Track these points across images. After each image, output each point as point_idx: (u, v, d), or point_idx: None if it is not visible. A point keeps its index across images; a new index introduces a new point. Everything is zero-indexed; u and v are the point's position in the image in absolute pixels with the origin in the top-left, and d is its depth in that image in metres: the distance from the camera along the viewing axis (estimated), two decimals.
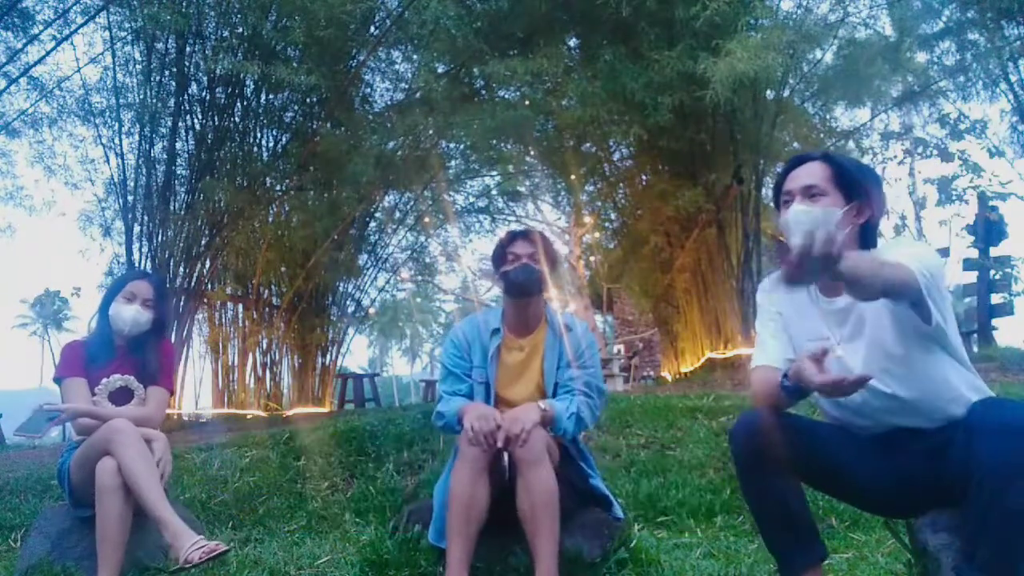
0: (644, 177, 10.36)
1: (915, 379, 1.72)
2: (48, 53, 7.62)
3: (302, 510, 4.02)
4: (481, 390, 2.47)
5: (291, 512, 4.02)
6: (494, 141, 9.12)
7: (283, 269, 9.62)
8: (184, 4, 7.08)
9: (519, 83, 8.40)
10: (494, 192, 11.65)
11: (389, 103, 9.30)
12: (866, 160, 9.43)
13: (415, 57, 8.66)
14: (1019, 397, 4.46)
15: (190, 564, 2.16)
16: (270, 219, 9.35)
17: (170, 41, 7.57)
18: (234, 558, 2.81)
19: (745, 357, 8.17)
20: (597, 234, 13.40)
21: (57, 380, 2.72)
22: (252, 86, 8.07)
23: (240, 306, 9.36)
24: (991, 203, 9.13)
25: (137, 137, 7.85)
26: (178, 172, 8.27)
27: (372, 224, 10.33)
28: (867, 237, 1.84)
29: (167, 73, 7.77)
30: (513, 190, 11.79)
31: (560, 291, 14.25)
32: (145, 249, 7.93)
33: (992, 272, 9.28)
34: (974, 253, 9.59)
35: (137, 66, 7.81)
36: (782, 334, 1.89)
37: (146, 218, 7.93)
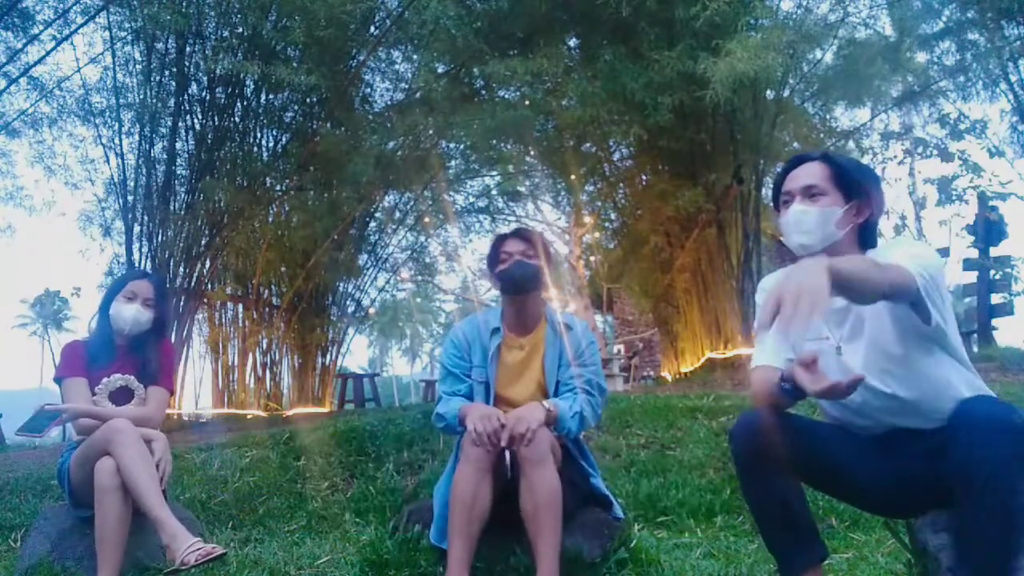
0: (644, 177, 10.36)
1: (915, 379, 1.72)
2: (48, 53, 7.63)
3: (302, 510, 4.02)
4: (481, 390, 2.47)
5: (291, 512, 4.02)
6: (494, 141, 9.12)
7: (283, 269, 9.62)
8: (184, 4, 7.08)
9: (519, 83, 8.40)
10: (494, 192, 11.66)
11: (389, 103, 9.31)
12: (866, 160, 9.44)
13: (415, 57, 8.67)
14: (1019, 397, 4.46)
15: (186, 566, 2.16)
16: (270, 219, 9.35)
17: (170, 41, 7.57)
18: (234, 558, 2.81)
19: (745, 357, 8.17)
20: (597, 234, 13.40)
21: (57, 380, 2.71)
22: (252, 86, 8.07)
23: (240, 306, 9.37)
24: (991, 203, 9.14)
25: (137, 137, 7.86)
26: (178, 172, 8.27)
27: (372, 224, 10.34)
28: (867, 236, 1.85)
29: (167, 73, 7.77)
30: (513, 190, 11.79)
31: (558, 288, 14.28)
32: (145, 249, 7.94)
33: (992, 272, 9.28)
34: (974, 253, 9.60)
35: (137, 66, 7.82)
36: (780, 335, 1.88)
37: (146, 218, 7.93)
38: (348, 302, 10.53)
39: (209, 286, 8.80)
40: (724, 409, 5.06)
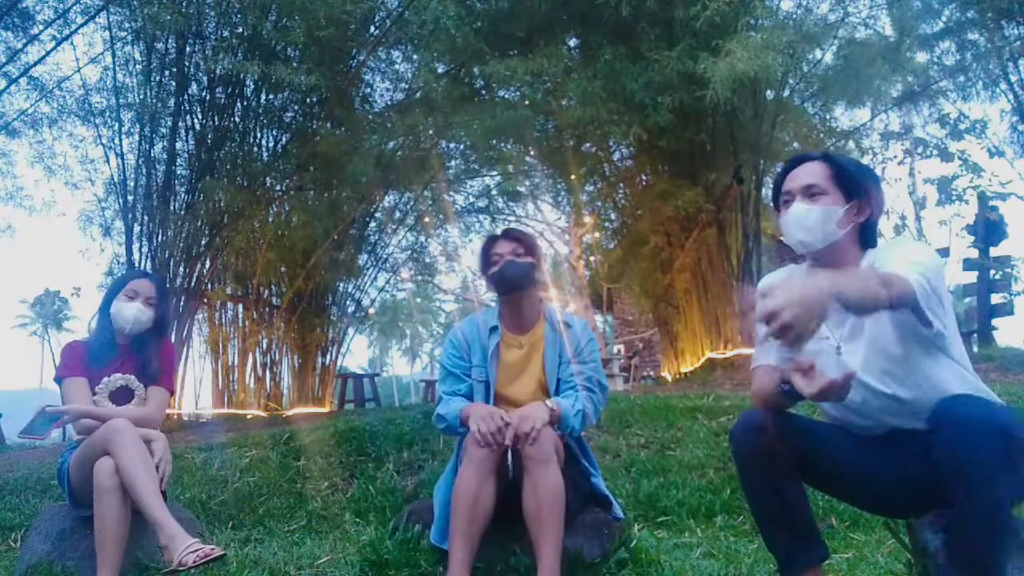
0: (644, 177, 10.36)
1: (914, 380, 1.72)
2: (48, 53, 7.63)
3: (302, 510, 4.03)
4: (481, 389, 2.47)
5: (291, 512, 4.02)
6: (494, 141, 9.12)
7: (283, 269, 9.62)
8: (184, 4, 7.08)
9: (519, 83, 8.40)
10: (494, 192, 11.65)
11: (389, 103, 9.31)
12: (866, 160, 9.44)
13: (415, 57, 8.66)
14: (1019, 397, 4.47)
15: (184, 567, 2.16)
16: (270, 219, 9.34)
17: (170, 41, 7.57)
18: (234, 558, 2.80)
19: (745, 357, 8.18)
20: (597, 234, 13.40)
21: (58, 380, 2.71)
22: (252, 86, 8.07)
23: (240, 306, 9.36)
24: (991, 203, 9.15)
25: (137, 137, 7.86)
26: (178, 172, 8.27)
27: (372, 224, 10.34)
28: (867, 236, 1.85)
29: (167, 73, 7.77)
30: (513, 190, 11.79)
31: (557, 288, 14.28)
32: (145, 249, 7.94)
33: (992, 272, 9.29)
34: (974, 253, 9.60)
35: (137, 66, 7.82)
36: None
37: (146, 218, 7.93)
38: (348, 302, 10.54)
39: (209, 286, 8.80)
40: (724, 409, 5.06)
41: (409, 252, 11.31)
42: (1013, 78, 8.39)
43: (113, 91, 7.70)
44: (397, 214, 10.38)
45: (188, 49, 7.72)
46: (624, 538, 2.45)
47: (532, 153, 10.67)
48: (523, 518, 2.16)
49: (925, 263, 1.64)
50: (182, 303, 8.04)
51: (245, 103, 8.37)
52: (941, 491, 1.62)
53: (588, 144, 10.10)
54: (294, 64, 7.25)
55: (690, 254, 9.49)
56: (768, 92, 8.61)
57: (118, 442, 2.41)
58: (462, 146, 9.57)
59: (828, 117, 9.80)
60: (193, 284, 8.33)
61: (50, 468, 4.40)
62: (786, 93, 8.82)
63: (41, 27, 7.44)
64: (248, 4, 7.14)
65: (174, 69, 7.73)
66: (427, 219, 10.80)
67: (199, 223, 8.23)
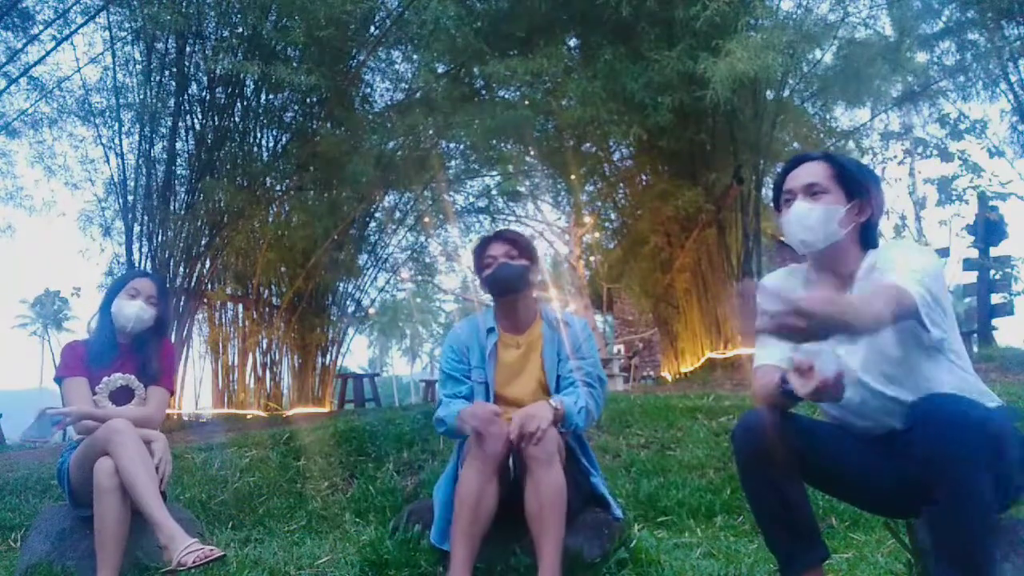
0: (644, 177, 10.36)
1: (914, 381, 1.72)
2: (48, 53, 7.63)
3: (302, 510, 4.02)
4: (481, 390, 2.47)
5: (291, 512, 4.02)
6: (494, 141, 9.12)
7: (283, 269, 9.62)
8: (184, 4, 7.08)
9: (519, 83, 8.41)
10: (494, 192, 11.66)
11: (389, 103, 9.31)
12: (866, 160, 9.44)
13: (415, 57, 8.67)
14: (1019, 397, 4.47)
15: (184, 567, 2.16)
16: (270, 219, 9.35)
17: (170, 41, 7.57)
18: (234, 558, 2.80)
19: (745, 357, 8.17)
20: (597, 234, 13.40)
21: (58, 380, 2.71)
22: (252, 86, 8.07)
23: (240, 306, 9.36)
24: (991, 203, 9.15)
25: (137, 137, 7.86)
26: (178, 172, 8.28)
27: (372, 224, 10.34)
28: (868, 236, 1.84)
29: (167, 73, 7.78)
30: (513, 190, 11.80)
31: (556, 288, 14.28)
32: (145, 249, 7.94)
33: (992, 272, 9.29)
34: (974, 253, 9.61)
35: (137, 66, 7.82)
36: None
37: (146, 218, 7.93)
38: (348, 302, 10.54)
39: (209, 286, 8.80)
40: (724, 409, 5.06)
41: (409, 252, 11.32)
42: (1013, 78, 8.39)
43: (113, 91, 7.71)
44: (397, 214, 10.39)
45: (188, 49, 7.72)
46: (624, 538, 2.45)
47: (532, 153, 10.67)
48: (524, 518, 2.16)
49: (925, 270, 1.64)
50: (182, 303, 8.04)
51: (245, 103, 8.37)
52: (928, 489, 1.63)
53: (588, 144, 10.10)
54: (294, 64, 7.25)
55: (690, 254, 9.49)
56: (768, 92, 8.61)
57: (118, 442, 2.41)
58: (462, 146, 9.57)
59: (828, 117, 9.81)
60: (193, 284, 8.33)
61: (50, 468, 4.39)
62: (786, 93, 8.82)
63: (41, 27, 7.45)
64: (248, 4, 7.14)
65: (174, 69, 7.73)
66: (427, 219, 10.81)
67: (199, 223, 8.23)
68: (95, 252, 8.65)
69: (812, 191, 1.81)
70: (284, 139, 8.85)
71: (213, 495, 4.09)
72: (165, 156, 8.09)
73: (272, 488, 4.25)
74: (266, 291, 9.72)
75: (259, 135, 8.76)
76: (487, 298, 2.59)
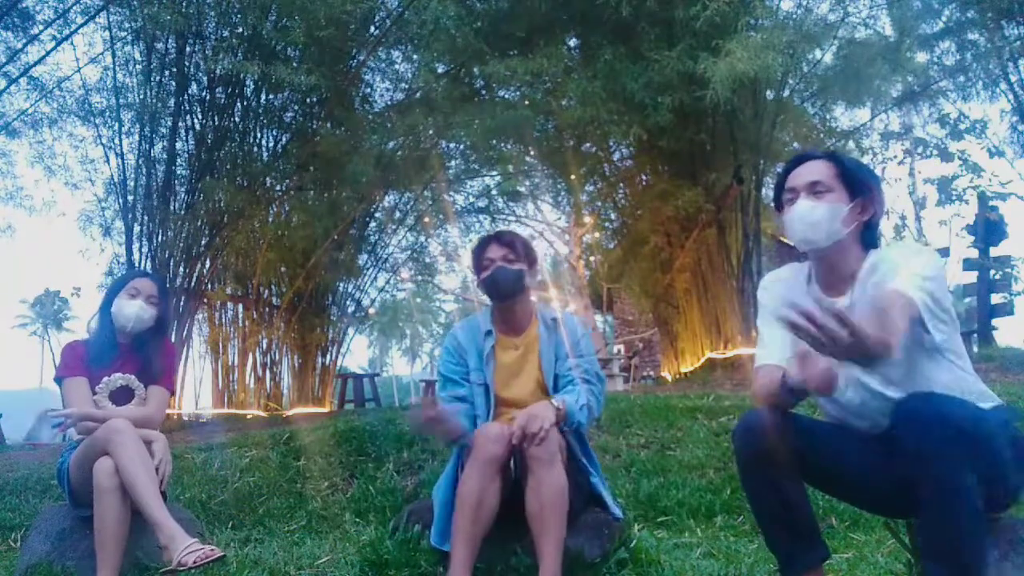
0: (644, 177, 10.36)
1: (914, 382, 1.72)
2: (48, 53, 7.63)
3: (302, 510, 4.02)
4: (480, 391, 2.47)
5: (291, 512, 4.01)
6: (494, 141, 9.12)
7: (283, 269, 9.62)
8: (184, 4, 7.08)
9: (519, 83, 8.41)
10: (494, 192, 11.66)
11: (389, 103, 9.31)
12: (866, 160, 9.45)
13: (415, 57, 8.67)
14: (1019, 397, 4.47)
15: (184, 567, 2.15)
16: (270, 219, 9.35)
17: (170, 41, 7.57)
18: (234, 558, 2.80)
19: (745, 357, 8.18)
20: (597, 234, 13.39)
21: (58, 380, 2.71)
22: (252, 86, 8.07)
23: (240, 306, 9.37)
24: (991, 203, 9.16)
25: (137, 137, 7.86)
26: (178, 172, 8.28)
27: (372, 224, 10.34)
28: (869, 236, 1.84)
29: (167, 73, 7.77)
30: (513, 190, 11.79)
31: (551, 285, 14.27)
32: (145, 249, 7.94)
33: (992, 272, 9.29)
34: (974, 253, 9.61)
35: (137, 66, 7.82)
36: (784, 332, 1.88)
37: (146, 218, 7.93)
38: (348, 302, 10.54)
39: (209, 286, 8.80)
40: (724, 409, 5.06)
41: (409, 252, 11.32)
42: (1013, 78, 8.39)
43: (113, 91, 7.70)
44: (397, 214, 10.38)
45: (188, 49, 7.72)
46: (624, 538, 2.45)
47: (532, 153, 10.67)
48: (525, 518, 2.16)
49: (927, 274, 1.64)
50: (182, 303, 8.04)
51: (245, 103, 8.37)
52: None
53: (588, 144, 10.10)
54: (294, 64, 7.25)
55: (690, 254, 9.49)
56: (768, 92, 8.61)
57: (118, 442, 2.41)
58: (462, 146, 9.57)
59: (828, 117, 9.81)
60: (193, 284, 8.33)
61: (50, 468, 4.39)
62: (786, 93, 8.82)
63: (41, 27, 7.44)
64: (248, 4, 7.14)
65: (174, 69, 7.73)
66: (427, 219, 10.80)
67: (199, 223, 8.23)
68: (95, 252, 8.67)
69: (816, 189, 1.80)
70: (284, 139, 8.85)
71: (213, 495, 4.08)
72: (165, 156, 8.09)
73: (272, 488, 4.25)
74: (266, 291, 9.72)
75: (259, 135, 8.77)
76: (486, 298, 2.58)
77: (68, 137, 8.50)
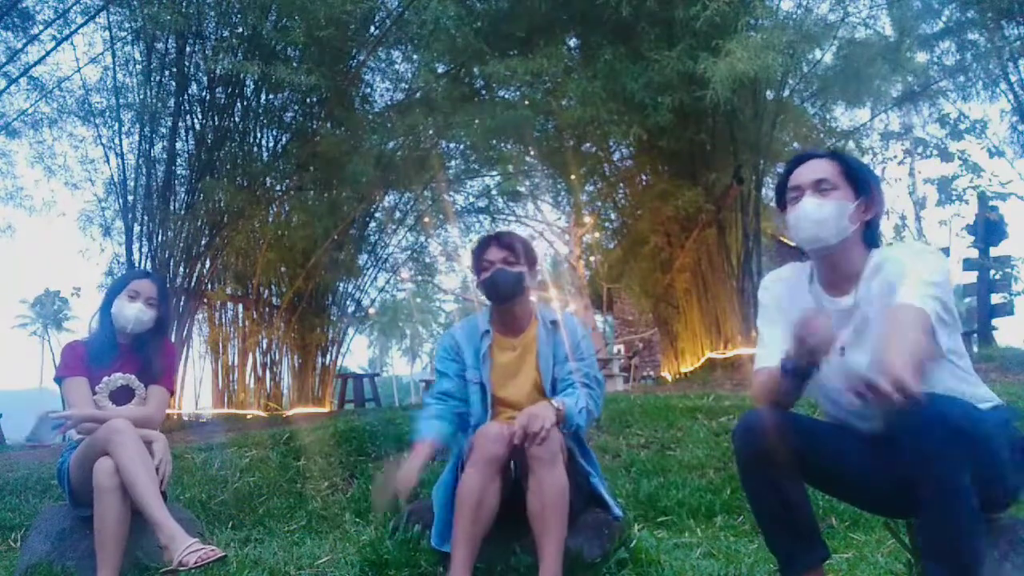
0: (644, 177, 10.36)
1: None
2: (48, 53, 7.63)
3: (302, 510, 4.02)
4: (477, 391, 2.47)
5: (291, 512, 4.01)
6: (494, 141, 9.12)
7: (283, 269, 9.62)
8: (184, 4, 7.07)
9: (519, 83, 8.41)
10: (494, 192, 11.65)
11: (389, 103, 9.31)
12: (866, 160, 9.45)
13: (415, 57, 8.67)
14: (1019, 397, 4.47)
15: (184, 567, 2.16)
16: (270, 219, 9.35)
17: (170, 41, 7.57)
18: (234, 558, 2.80)
19: (745, 357, 8.17)
20: (597, 234, 13.39)
21: (58, 380, 2.71)
22: (252, 86, 8.07)
23: (240, 306, 9.37)
24: (991, 203, 9.16)
25: (137, 137, 7.86)
26: (178, 172, 8.28)
27: (372, 224, 10.34)
28: (871, 235, 1.84)
29: (167, 73, 7.77)
30: (513, 190, 11.79)
31: (551, 285, 14.27)
32: (145, 249, 7.94)
33: (992, 272, 9.30)
34: (974, 253, 9.62)
35: (137, 66, 7.82)
36: (785, 332, 1.88)
37: (146, 218, 7.93)
38: (348, 302, 10.54)
39: (209, 286, 8.80)
40: (724, 409, 5.06)
41: (409, 252, 11.32)
42: (1013, 78, 8.39)
43: (113, 91, 7.70)
44: (397, 214, 10.39)
45: (188, 49, 7.72)
46: (624, 538, 2.45)
47: (532, 153, 10.67)
48: (525, 517, 2.16)
49: (935, 280, 1.63)
50: (182, 303, 8.04)
51: (245, 103, 8.37)
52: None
53: (588, 144, 10.10)
54: (294, 64, 7.25)
55: (690, 254, 9.49)
56: (768, 92, 8.61)
57: (118, 442, 2.41)
58: (462, 146, 9.57)
59: (828, 117, 9.81)
60: (193, 284, 8.33)
61: (50, 468, 4.39)
62: (786, 93, 8.82)
63: (41, 27, 7.44)
64: (248, 4, 7.14)
65: (174, 69, 7.72)
66: (427, 219, 10.80)
67: (199, 223, 8.23)
68: (95, 252, 8.67)
69: (821, 187, 1.79)
70: (284, 139, 8.85)
71: (213, 495, 4.08)
72: (165, 156, 8.09)
73: (272, 488, 4.24)
74: (266, 291, 9.72)
75: (259, 135, 8.77)
76: (486, 299, 2.58)
77: (68, 137, 8.52)
